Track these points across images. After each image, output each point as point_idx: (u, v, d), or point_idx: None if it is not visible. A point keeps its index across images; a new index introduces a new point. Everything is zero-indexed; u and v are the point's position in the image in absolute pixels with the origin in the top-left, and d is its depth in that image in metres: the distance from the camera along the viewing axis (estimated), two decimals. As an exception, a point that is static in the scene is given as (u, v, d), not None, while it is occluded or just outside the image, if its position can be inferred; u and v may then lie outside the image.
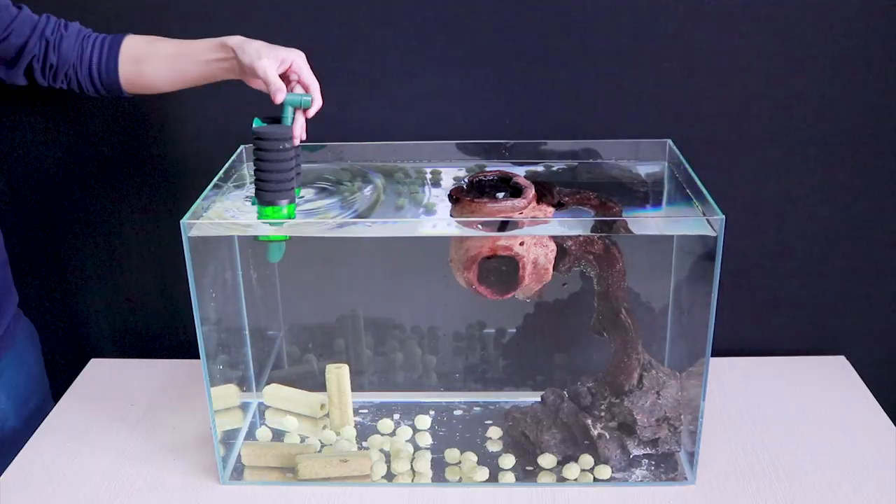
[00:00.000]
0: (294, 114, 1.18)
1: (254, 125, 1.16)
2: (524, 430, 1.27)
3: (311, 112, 1.19)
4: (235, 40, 1.18)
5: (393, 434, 1.32)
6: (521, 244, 1.13)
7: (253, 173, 1.17)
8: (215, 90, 1.27)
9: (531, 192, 1.13)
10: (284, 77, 1.18)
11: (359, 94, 1.41)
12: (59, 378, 1.52)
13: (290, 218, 1.17)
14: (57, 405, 1.41)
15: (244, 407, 1.36)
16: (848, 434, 1.30)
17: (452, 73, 1.40)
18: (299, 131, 1.18)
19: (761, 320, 1.53)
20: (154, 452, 1.29)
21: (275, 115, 1.18)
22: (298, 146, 1.20)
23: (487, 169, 1.27)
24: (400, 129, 1.42)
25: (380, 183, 1.29)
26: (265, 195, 1.15)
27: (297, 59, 1.19)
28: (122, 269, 1.56)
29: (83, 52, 1.22)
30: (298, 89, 1.19)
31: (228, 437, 1.28)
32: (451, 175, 1.32)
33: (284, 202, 1.15)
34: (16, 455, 1.29)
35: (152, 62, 1.22)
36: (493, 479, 1.23)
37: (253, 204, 1.19)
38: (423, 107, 1.42)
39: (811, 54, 1.36)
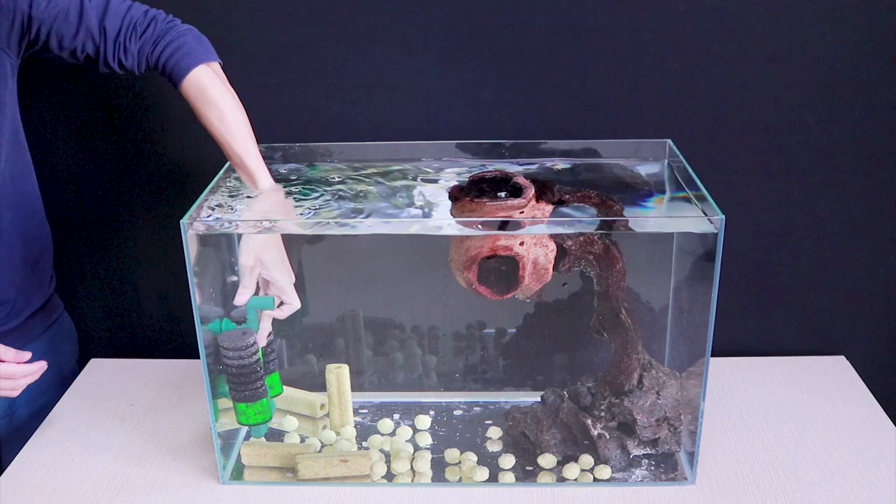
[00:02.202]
0: (259, 315, 1.21)
1: (221, 327, 1.20)
2: (524, 430, 1.27)
3: (282, 314, 1.22)
4: (263, 187, 1.20)
5: (393, 434, 1.32)
6: (521, 244, 1.13)
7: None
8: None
9: (531, 191, 1.13)
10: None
11: (359, 94, 1.41)
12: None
13: (266, 416, 1.23)
14: (57, 405, 1.41)
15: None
16: (848, 434, 1.30)
17: (452, 73, 1.40)
18: (263, 338, 1.22)
19: (761, 320, 1.53)
20: (154, 452, 1.29)
21: (241, 317, 1.22)
22: (270, 337, 1.24)
23: (487, 168, 1.27)
24: (400, 129, 1.42)
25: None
26: (237, 395, 1.21)
27: (274, 282, 1.20)
28: (122, 270, 1.56)
29: (150, 65, 1.22)
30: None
31: (228, 437, 1.28)
32: (451, 175, 1.31)
33: (256, 399, 1.22)
34: (20, 450, 1.29)
35: (202, 117, 1.22)
36: (493, 479, 1.23)
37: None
38: (423, 107, 1.42)
39: (811, 54, 1.36)
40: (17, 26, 1.17)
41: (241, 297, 1.18)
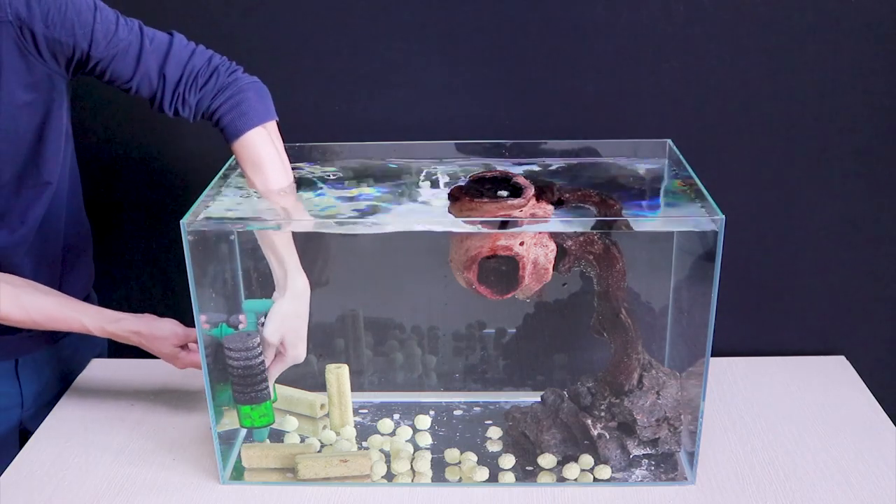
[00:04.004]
0: (257, 318, 1.22)
1: (222, 333, 1.20)
2: (524, 430, 1.27)
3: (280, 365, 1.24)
4: (290, 281, 1.20)
5: (393, 434, 1.32)
6: (521, 244, 1.13)
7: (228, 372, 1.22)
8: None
9: (530, 190, 1.13)
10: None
11: (359, 95, 1.41)
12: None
13: (269, 419, 1.24)
14: (57, 405, 1.41)
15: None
16: (848, 434, 1.30)
17: (452, 73, 1.40)
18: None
19: (761, 320, 1.53)
20: (154, 452, 1.29)
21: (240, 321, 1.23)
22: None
23: (488, 168, 1.27)
24: (400, 129, 1.42)
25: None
26: (241, 397, 1.22)
27: (288, 358, 1.24)
28: (122, 270, 1.56)
29: (205, 116, 1.20)
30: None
31: (228, 437, 1.28)
32: (451, 174, 1.31)
33: (261, 401, 1.22)
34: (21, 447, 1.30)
35: (247, 178, 1.21)
36: (493, 479, 1.23)
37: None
38: (423, 107, 1.42)
39: (811, 54, 1.37)
40: (74, 61, 1.15)
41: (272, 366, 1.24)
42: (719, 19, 1.35)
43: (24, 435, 1.38)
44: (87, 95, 1.43)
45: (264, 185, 1.20)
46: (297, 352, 1.24)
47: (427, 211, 1.20)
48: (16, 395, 1.35)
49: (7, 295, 1.17)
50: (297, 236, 1.22)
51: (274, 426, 1.31)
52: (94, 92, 1.43)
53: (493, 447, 1.29)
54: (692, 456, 1.20)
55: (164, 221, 1.51)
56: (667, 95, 1.39)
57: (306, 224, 1.22)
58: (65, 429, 1.35)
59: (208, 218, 1.15)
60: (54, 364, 1.40)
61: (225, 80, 1.19)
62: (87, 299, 1.40)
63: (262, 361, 1.21)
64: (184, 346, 1.27)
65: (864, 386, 1.43)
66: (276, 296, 1.21)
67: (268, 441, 1.30)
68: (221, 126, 1.19)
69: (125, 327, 1.24)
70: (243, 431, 1.31)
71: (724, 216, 1.07)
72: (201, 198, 1.17)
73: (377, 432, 1.32)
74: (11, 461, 1.27)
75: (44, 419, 1.36)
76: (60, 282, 1.32)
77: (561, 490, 1.20)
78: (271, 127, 1.22)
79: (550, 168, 1.32)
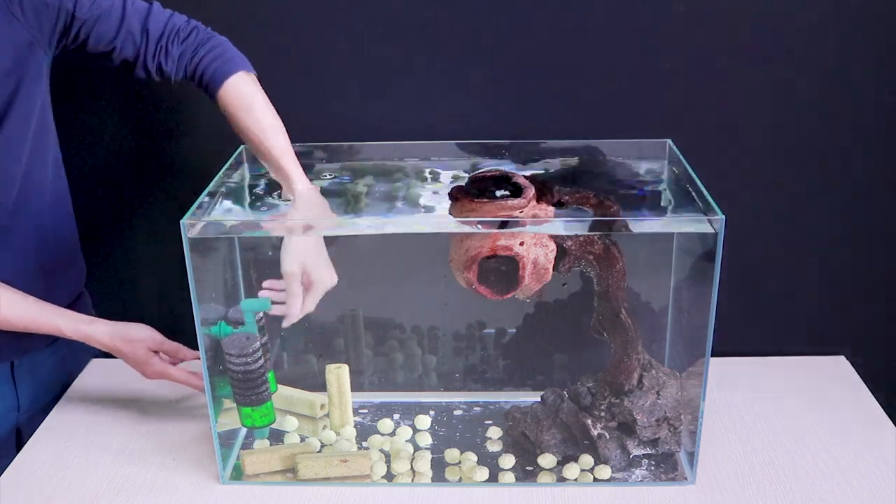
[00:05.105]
0: (255, 317, 1.22)
1: (221, 332, 1.20)
2: (524, 430, 1.27)
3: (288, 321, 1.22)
4: (298, 189, 1.20)
5: (393, 434, 1.32)
6: (521, 244, 1.13)
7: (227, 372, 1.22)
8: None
9: (531, 191, 1.13)
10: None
11: (359, 95, 1.41)
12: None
13: (270, 418, 1.25)
14: (57, 405, 1.41)
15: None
16: (848, 434, 1.30)
17: (453, 73, 1.40)
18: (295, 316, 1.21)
19: (761, 320, 1.53)
20: (154, 452, 1.29)
21: (238, 318, 1.22)
22: (266, 341, 1.25)
23: (487, 168, 1.27)
24: (400, 129, 1.42)
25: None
26: (241, 399, 1.22)
27: (318, 289, 1.21)
28: (121, 269, 1.56)
29: (187, 74, 1.24)
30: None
31: (228, 437, 1.28)
32: (451, 174, 1.31)
33: (261, 403, 1.22)
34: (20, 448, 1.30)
35: (238, 129, 1.24)
36: (493, 479, 1.23)
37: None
38: (424, 107, 1.42)
39: (811, 54, 1.37)
40: (59, 26, 1.17)
41: (293, 308, 1.20)
42: (719, 19, 1.35)
43: (20, 439, 1.37)
44: (87, 95, 1.43)
45: (257, 123, 1.22)
46: (322, 274, 1.20)
47: (427, 212, 1.20)
48: (11, 397, 1.34)
49: None
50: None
51: (274, 426, 1.31)
52: (93, 89, 1.43)
53: (493, 447, 1.29)
54: (692, 456, 1.20)
55: (163, 222, 1.51)
56: (667, 95, 1.39)
57: (306, 224, 1.22)
58: (65, 429, 1.35)
59: (208, 219, 1.15)
60: (50, 366, 1.40)
61: (205, 36, 1.24)
62: (79, 298, 1.40)
63: (263, 364, 1.21)
64: (156, 353, 1.26)
65: (864, 386, 1.43)
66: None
67: (268, 442, 1.30)
68: (207, 76, 1.22)
69: (100, 329, 1.24)
70: (243, 431, 1.31)
71: (723, 216, 1.07)
72: (201, 198, 1.17)
73: (377, 432, 1.32)
74: (8, 465, 1.27)
75: (40, 423, 1.36)
76: (47, 278, 1.31)
77: (561, 490, 1.20)
78: (253, 77, 1.25)
79: (549, 169, 1.32)
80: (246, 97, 1.23)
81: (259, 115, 1.22)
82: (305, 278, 1.19)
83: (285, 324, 1.21)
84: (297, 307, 1.20)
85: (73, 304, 1.38)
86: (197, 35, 1.24)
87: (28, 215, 1.25)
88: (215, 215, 1.17)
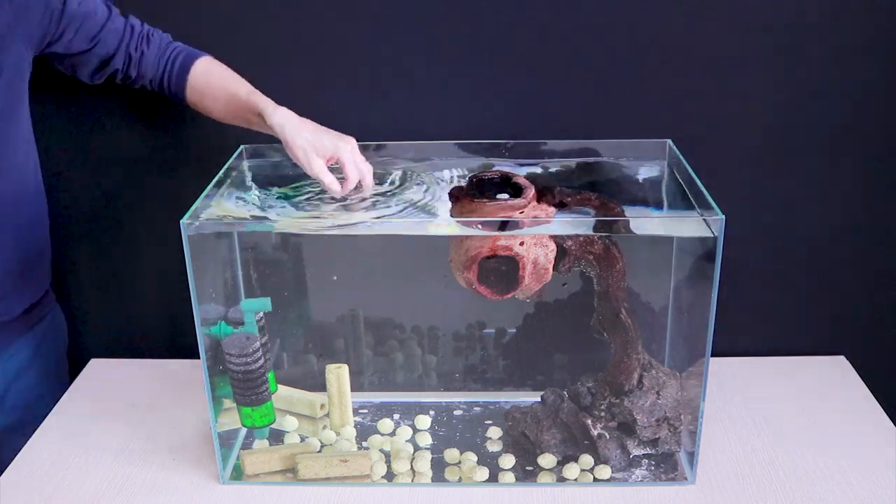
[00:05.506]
0: (255, 317, 1.23)
1: (221, 332, 1.20)
2: (524, 430, 1.27)
3: (348, 189, 1.21)
4: (278, 119, 1.21)
5: (393, 434, 1.32)
6: (521, 244, 1.13)
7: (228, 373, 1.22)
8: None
9: (531, 191, 1.13)
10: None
11: (359, 95, 1.41)
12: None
13: (270, 418, 1.25)
14: (57, 405, 1.41)
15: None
16: (848, 434, 1.30)
17: (453, 73, 1.40)
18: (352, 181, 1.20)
19: (761, 320, 1.53)
20: (154, 452, 1.29)
21: (238, 318, 1.23)
22: (266, 341, 1.25)
23: (489, 168, 1.27)
24: (400, 129, 1.42)
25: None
26: (241, 399, 1.22)
27: (343, 153, 1.20)
28: (122, 269, 1.56)
29: (159, 69, 1.29)
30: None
31: (228, 437, 1.28)
32: (451, 174, 1.31)
33: (261, 403, 1.23)
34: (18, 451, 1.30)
35: (212, 100, 1.29)
36: (493, 479, 1.23)
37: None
38: (424, 107, 1.42)
39: (811, 55, 1.36)
40: (44, 23, 1.20)
41: (334, 185, 1.18)
42: (719, 19, 1.35)
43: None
44: (85, 93, 1.43)
45: (225, 82, 1.27)
46: (342, 143, 1.20)
47: (427, 212, 1.20)
48: None
49: None
50: (296, 237, 1.22)
51: (274, 426, 1.31)
52: (92, 89, 1.43)
53: (493, 447, 1.29)
54: (692, 456, 1.20)
55: (163, 221, 1.51)
56: (667, 95, 1.39)
57: (307, 226, 1.22)
58: (65, 429, 1.35)
59: (208, 218, 1.15)
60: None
61: (168, 39, 1.32)
62: (45, 295, 1.41)
63: (263, 364, 1.21)
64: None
65: (864, 386, 1.43)
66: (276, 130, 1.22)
67: (267, 442, 1.30)
68: (177, 66, 1.28)
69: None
70: (243, 431, 1.31)
71: (724, 217, 1.07)
72: (201, 198, 1.17)
73: (377, 432, 1.32)
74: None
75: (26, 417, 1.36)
76: (15, 275, 1.31)
77: (561, 490, 1.20)
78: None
79: (550, 170, 1.32)
80: (213, 69, 1.29)
81: (225, 78, 1.28)
82: (317, 148, 1.19)
83: (346, 191, 1.20)
84: (336, 187, 1.19)
85: (40, 302, 1.39)
86: (161, 38, 1.30)
87: None
88: (215, 215, 1.17)
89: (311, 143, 1.19)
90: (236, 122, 1.29)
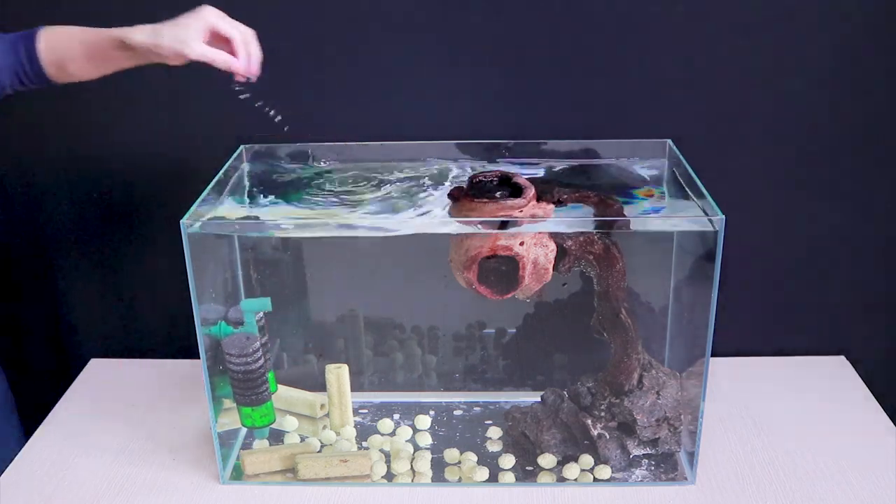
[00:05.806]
0: (255, 317, 1.22)
1: (221, 332, 1.20)
2: (524, 430, 1.27)
3: (248, 69, 1.13)
4: (138, 35, 1.10)
5: (393, 434, 1.32)
6: (521, 244, 1.13)
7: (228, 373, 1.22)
8: (215, 89, 1.27)
9: (531, 191, 1.13)
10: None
11: (359, 95, 1.41)
12: (59, 378, 1.52)
13: (270, 418, 1.25)
14: (57, 405, 1.41)
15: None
16: (848, 434, 1.30)
17: (453, 73, 1.40)
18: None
19: (761, 320, 1.53)
20: (154, 452, 1.29)
21: (238, 318, 1.22)
22: (266, 341, 1.24)
23: (488, 168, 1.27)
24: (400, 129, 1.42)
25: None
26: (242, 399, 1.22)
27: (211, 20, 1.11)
28: (122, 269, 1.56)
29: (10, 71, 1.15)
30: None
31: (228, 437, 1.28)
32: (452, 174, 1.31)
33: (261, 403, 1.23)
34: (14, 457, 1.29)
35: (73, 63, 1.15)
36: (493, 479, 1.23)
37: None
38: (424, 107, 1.42)
39: (811, 54, 1.36)
40: None
41: (231, 60, 1.11)
42: (719, 19, 1.35)
43: None
44: (87, 95, 1.43)
45: (95, 30, 1.13)
46: (193, 18, 1.10)
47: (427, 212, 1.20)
48: None
49: None
50: (296, 237, 1.22)
51: (274, 426, 1.31)
52: (92, 88, 1.43)
53: (493, 447, 1.29)
54: (692, 456, 1.20)
55: (163, 221, 1.51)
56: (667, 95, 1.39)
57: (307, 227, 1.21)
58: (65, 429, 1.35)
59: (208, 218, 1.15)
60: None
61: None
62: None
63: (263, 364, 1.21)
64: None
65: (864, 386, 1.43)
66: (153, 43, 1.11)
67: (267, 442, 1.30)
68: (21, 48, 1.13)
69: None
70: (243, 431, 1.31)
71: (724, 216, 1.07)
72: (201, 198, 1.17)
73: (377, 432, 1.32)
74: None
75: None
76: None
77: (561, 490, 1.20)
78: None
79: (554, 169, 1.32)
80: (52, 34, 1.14)
81: (65, 32, 1.14)
82: (224, 43, 1.12)
83: (240, 76, 1.14)
84: (254, 69, 1.13)
85: None
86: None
87: None
88: (215, 215, 1.17)
89: (177, 33, 1.09)
90: (107, 68, 1.17)
